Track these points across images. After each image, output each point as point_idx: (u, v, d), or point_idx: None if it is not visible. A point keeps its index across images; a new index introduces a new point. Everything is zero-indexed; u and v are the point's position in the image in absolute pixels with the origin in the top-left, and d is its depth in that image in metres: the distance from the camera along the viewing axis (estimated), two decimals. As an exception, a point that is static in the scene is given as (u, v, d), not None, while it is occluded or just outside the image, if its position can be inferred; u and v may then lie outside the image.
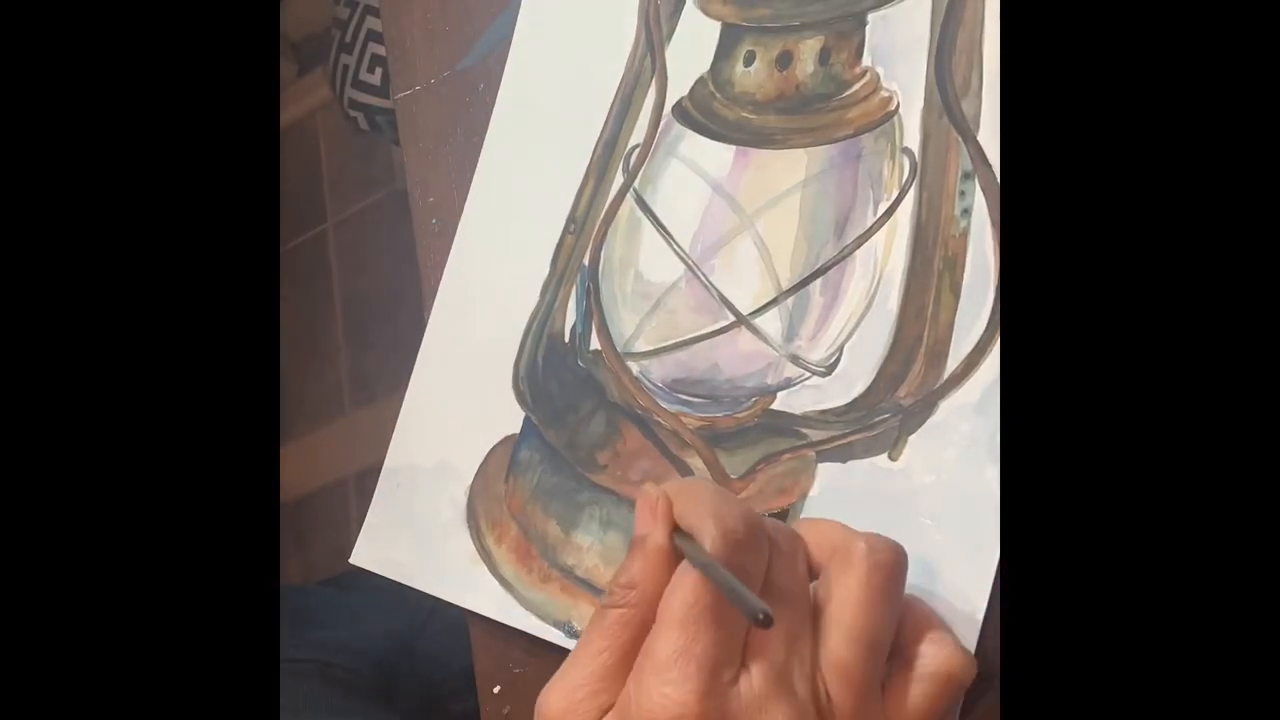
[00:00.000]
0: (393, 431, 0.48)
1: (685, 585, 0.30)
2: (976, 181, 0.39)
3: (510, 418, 0.46)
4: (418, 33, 0.45)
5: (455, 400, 0.47)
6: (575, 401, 0.45)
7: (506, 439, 0.46)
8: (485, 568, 0.44)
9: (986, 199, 0.38)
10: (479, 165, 0.48)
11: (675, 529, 0.33)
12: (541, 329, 0.46)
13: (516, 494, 0.45)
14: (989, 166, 0.39)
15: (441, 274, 0.48)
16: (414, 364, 0.48)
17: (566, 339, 0.46)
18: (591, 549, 0.43)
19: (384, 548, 0.47)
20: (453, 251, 0.48)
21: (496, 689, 0.45)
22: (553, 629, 0.42)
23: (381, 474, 0.48)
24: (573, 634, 0.42)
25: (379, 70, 0.89)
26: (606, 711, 0.31)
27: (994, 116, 0.39)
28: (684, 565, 0.31)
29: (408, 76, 0.46)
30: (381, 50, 0.88)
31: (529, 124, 0.48)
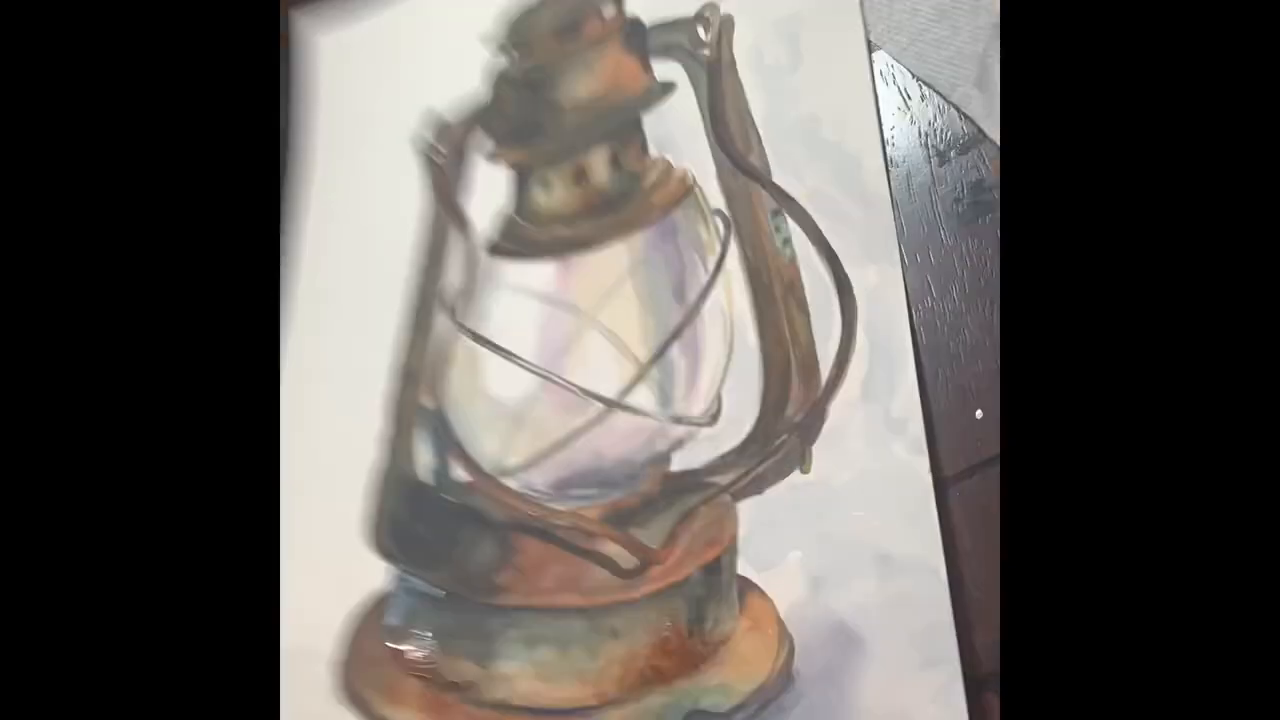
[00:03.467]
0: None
1: None
2: (786, 215, 0.42)
3: (372, 576, 0.42)
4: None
5: (305, 582, 0.42)
6: (452, 536, 0.41)
7: (376, 599, 0.42)
8: (393, 740, 0.38)
9: (801, 224, 0.42)
10: (285, 354, 0.46)
11: None
12: (396, 480, 0.43)
13: (409, 651, 0.40)
14: (792, 199, 0.42)
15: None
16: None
17: (429, 480, 0.43)
18: (522, 673, 0.38)
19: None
20: (283, 439, 0.45)
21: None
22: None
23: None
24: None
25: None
26: None
27: (781, 159, 0.43)
28: None
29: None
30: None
31: (329, 304, 0.47)
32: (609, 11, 0.42)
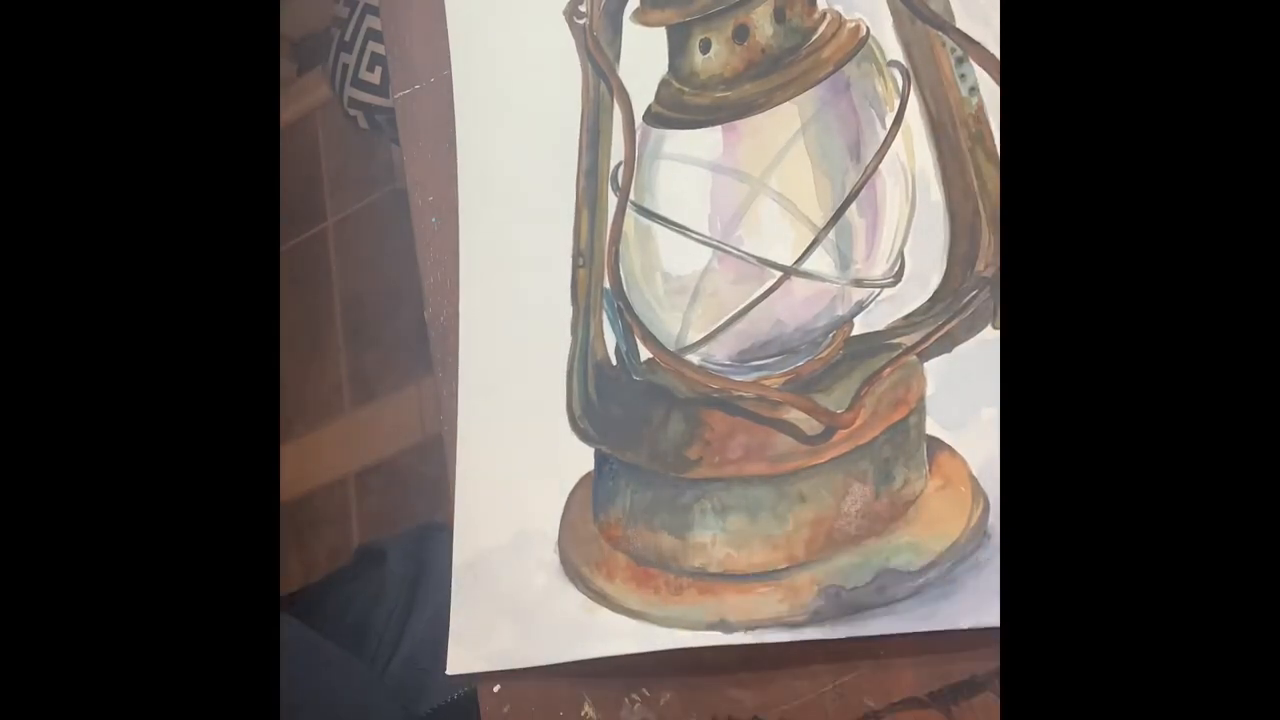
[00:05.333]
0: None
1: None
2: (972, 61, 0.40)
3: (579, 458, 0.43)
4: (417, 32, 0.45)
5: (512, 469, 0.44)
6: (644, 414, 0.42)
7: (582, 479, 0.42)
8: (605, 608, 0.40)
9: (988, 71, 0.39)
10: (462, 240, 0.47)
11: None
12: (585, 363, 0.44)
13: (613, 526, 0.41)
14: (978, 44, 0.39)
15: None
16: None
17: (614, 361, 0.43)
18: (716, 542, 0.39)
19: (480, 645, 0.42)
20: (462, 323, 0.46)
21: (496, 688, 0.42)
22: (708, 632, 0.37)
23: (454, 576, 0.44)
24: (730, 629, 0.37)
25: (379, 69, 0.87)
26: None
27: (966, 2, 0.40)
28: None
29: (407, 75, 0.45)
30: (381, 49, 0.87)
31: (500, 189, 0.47)
32: None
